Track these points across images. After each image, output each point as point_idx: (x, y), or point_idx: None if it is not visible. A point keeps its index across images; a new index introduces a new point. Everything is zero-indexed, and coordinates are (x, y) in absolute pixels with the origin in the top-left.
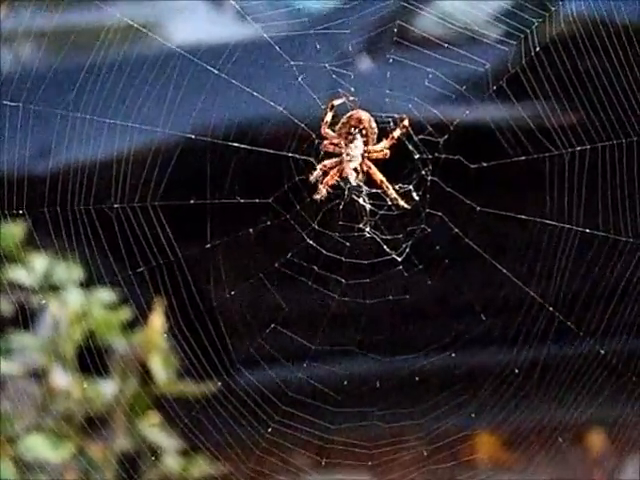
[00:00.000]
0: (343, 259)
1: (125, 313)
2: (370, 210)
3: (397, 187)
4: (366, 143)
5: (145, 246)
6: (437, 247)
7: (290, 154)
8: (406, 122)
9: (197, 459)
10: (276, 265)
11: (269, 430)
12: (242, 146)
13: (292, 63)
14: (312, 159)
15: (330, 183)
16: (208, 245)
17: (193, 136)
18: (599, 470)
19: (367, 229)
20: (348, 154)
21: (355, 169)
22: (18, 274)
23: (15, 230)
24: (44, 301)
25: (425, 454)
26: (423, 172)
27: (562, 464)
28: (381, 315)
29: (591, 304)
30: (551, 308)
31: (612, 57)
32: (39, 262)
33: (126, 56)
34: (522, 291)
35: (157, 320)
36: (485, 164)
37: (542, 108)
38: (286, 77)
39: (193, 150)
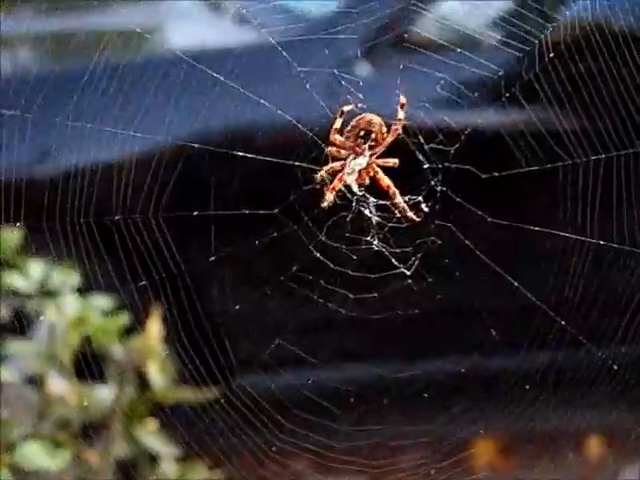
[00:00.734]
0: (350, 272)
1: (122, 319)
2: (378, 222)
3: (406, 198)
4: (375, 147)
5: (147, 259)
6: (446, 260)
7: (297, 163)
8: (403, 99)
9: (195, 466)
10: (282, 278)
11: (269, 437)
12: (248, 155)
13: (299, 69)
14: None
15: (337, 188)
16: (212, 258)
17: (196, 145)
18: (598, 477)
19: (375, 242)
20: (349, 167)
21: (359, 176)
22: (15, 280)
23: (12, 236)
24: (41, 307)
25: (424, 460)
26: (432, 182)
27: (562, 471)
28: (388, 328)
29: (604, 316)
30: (563, 322)
31: (629, 64)
32: (36, 268)
33: (127, 62)
34: (530, 301)
35: (154, 326)
36: (497, 174)
37: (555, 116)
38: (292, 84)
39: (196, 159)
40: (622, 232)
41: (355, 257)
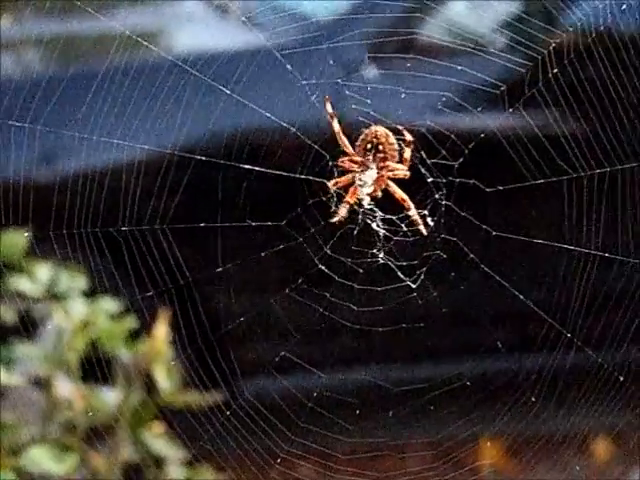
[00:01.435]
0: (355, 286)
1: (129, 323)
2: (384, 235)
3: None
4: (384, 159)
5: (154, 269)
6: (452, 274)
7: (303, 176)
8: (408, 136)
9: (201, 469)
10: (287, 291)
11: (274, 443)
12: (255, 168)
13: (304, 83)
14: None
15: (352, 201)
16: (220, 269)
17: (204, 158)
18: (604, 479)
19: (381, 255)
20: (360, 179)
21: (370, 192)
22: (22, 283)
23: (19, 239)
24: (48, 311)
25: (429, 461)
26: (437, 196)
27: (567, 473)
28: (393, 337)
29: (610, 326)
30: (569, 335)
31: (633, 75)
32: (43, 271)
33: (134, 70)
34: (536, 314)
35: (161, 330)
36: (501, 187)
37: (559, 128)
38: (297, 90)
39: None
40: (628, 245)
41: (361, 270)
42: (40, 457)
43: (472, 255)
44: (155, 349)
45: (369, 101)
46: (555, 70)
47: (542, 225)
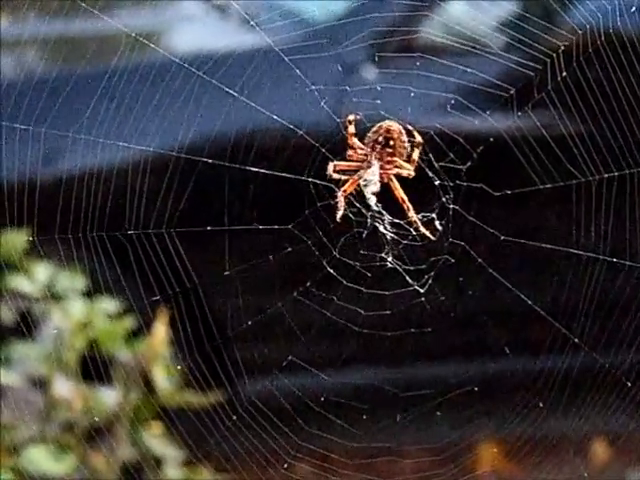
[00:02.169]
0: (363, 289)
1: (128, 322)
2: (392, 239)
3: (419, 216)
4: (392, 154)
5: (161, 273)
6: (460, 278)
7: (310, 179)
8: (418, 137)
9: (200, 470)
10: (294, 294)
11: (274, 443)
12: (262, 171)
13: (313, 88)
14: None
15: (349, 191)
16: (227, 272)
17: (210, 160)
18: None
19: (389, 259)
20: (365, 179)
21: (375, 191)
22: (21, 283)
23: (18, 239)
24: (47, 310)
25: (436, 466)
26: (444, 199)
27: (567, 475)
28: (399, 341)
29: (618, 330)
30: (577, 339)
31: None
32: (42, 271)
33: (139, 71)
34: (544, 318)
35: (160, 330)
36: (509, 192)
37: (568, 132)
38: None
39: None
40: (637, 250)
41: (369, 274)
42: (39, 457)
43: (480, 259)
44: (154, 349)
45: (378, 101)
46: (564, 73)
47: (550, 229)
